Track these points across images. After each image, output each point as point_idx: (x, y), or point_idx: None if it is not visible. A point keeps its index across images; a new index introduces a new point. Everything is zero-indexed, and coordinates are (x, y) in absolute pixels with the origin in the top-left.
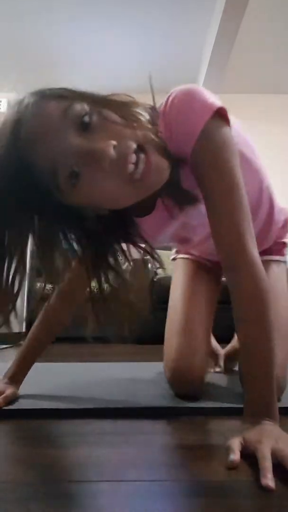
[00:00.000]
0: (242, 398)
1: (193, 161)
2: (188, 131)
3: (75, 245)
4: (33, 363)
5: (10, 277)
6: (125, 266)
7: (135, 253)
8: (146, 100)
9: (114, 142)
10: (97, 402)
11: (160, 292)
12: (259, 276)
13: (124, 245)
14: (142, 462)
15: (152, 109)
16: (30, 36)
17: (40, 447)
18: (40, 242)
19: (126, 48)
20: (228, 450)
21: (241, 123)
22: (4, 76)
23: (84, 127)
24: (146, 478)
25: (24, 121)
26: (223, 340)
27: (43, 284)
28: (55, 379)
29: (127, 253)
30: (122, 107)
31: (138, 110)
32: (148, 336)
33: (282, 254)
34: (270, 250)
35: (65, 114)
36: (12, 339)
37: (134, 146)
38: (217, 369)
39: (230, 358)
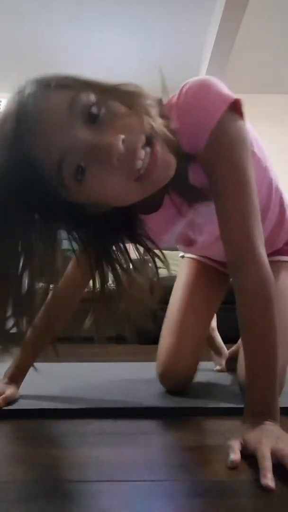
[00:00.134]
0: (242, 398)
1: (205, 154)
2: (202, 123)
3: (76, 244)
4: (33, 363)
5: (19, 274)
6: (129, 266)
7: (133, 254)
8: None
9: (122, 136)
10: (97, 402)
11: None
12: (266, 275)
13: (126, 245)
14: (142, 462)
15: (160, 102)
16: (30, 36)
17: (40, 447)
18: (41, 241)
19: (126, 47)
20: (228, 450)
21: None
22: (4, 76)
23: (91, 119)
24: (146, 478)
25: (27, 113)
26: (229, 340)
27: (43, 284)
28: (55, 379)
29: (129, 254)
30: (130, 98)
31: (147, 101)
32: (148, 336)
33: None
34: (281, 251)
35: (71, 105)
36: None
37: (143, 139)
38: (218, 367)
39: (234, 358)
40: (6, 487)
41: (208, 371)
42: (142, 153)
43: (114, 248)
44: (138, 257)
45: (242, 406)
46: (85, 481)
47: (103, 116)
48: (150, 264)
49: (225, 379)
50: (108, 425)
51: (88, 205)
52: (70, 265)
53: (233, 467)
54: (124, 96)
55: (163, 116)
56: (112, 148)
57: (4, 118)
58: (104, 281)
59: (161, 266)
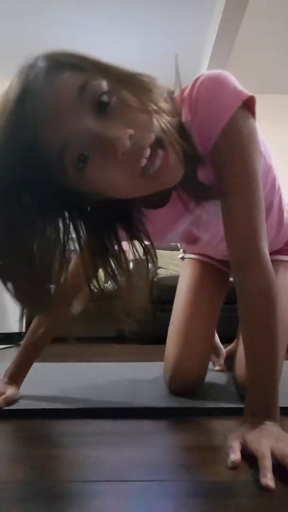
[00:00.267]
0: (242, 398)
1: (216, 149)
2: (215, 117)
3: (76, 240)
4: (33, 363)
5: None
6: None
7: (130, 254)
8: None
9: (131, 131)
10: (97, 402)
11: (160, 292)
12: (269, 275)
13: (124, 245)
14: (142, 462)
15: (172, 94)
16: (30, 36)
17: (40, 447)
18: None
19: (126, 47)
20: (228, 450)
21: None
22: (4, 76)
23: (101, 108)
24: (146, 478)
25: (33, 93)
26: (226, 339)
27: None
28: (55, 379)
29: (127, 254)
30: (143, 91)
31: (161, 96)
32: (148, 336)
33: None
34: (280, 250)
35: (81, 91)
36: (12, 339)
37: (152, 138)
38: (218, 368)
39: (232, 356)
40: (6, 487)
41: (208, 371)
42: (148, 152)
43: (112, 244)
44: (135, 257)
45: (242, 406)
46: (85, 481)
47: (113, 106)
48: (149, 265)
49: (225, 379)
50: (108, 425)
51: (89, 193)
52: (70, 265)
53: (233, 467)
54: (137, 88)
55: (175, 109)
56: (118, 143)
57: (8, 96)
58: (104, 277)
59: (161, 266)
